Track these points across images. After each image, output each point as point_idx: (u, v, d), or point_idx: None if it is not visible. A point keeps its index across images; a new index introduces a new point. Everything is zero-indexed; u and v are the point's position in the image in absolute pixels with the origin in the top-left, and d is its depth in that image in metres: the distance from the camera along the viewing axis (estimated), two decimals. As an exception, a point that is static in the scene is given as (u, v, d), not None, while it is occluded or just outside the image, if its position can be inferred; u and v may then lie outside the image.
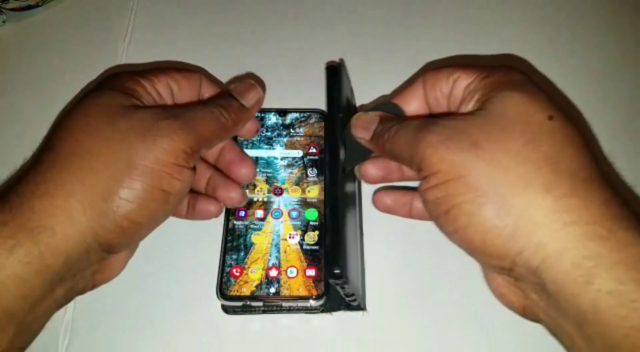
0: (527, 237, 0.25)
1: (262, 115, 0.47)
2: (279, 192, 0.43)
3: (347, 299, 0.38)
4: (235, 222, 0.42)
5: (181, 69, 0.38)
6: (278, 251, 0.41)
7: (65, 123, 0.33)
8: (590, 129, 0.46)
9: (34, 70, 0.54)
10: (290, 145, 0.45)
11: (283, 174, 0.44)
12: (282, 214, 0.42)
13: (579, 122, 0.29)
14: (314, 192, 0.43)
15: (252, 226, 0.42)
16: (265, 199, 0.43)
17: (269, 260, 0.40)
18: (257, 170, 0.44)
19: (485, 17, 0.55)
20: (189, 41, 0.55)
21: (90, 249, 0.30)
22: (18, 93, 0.53)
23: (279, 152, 0.45)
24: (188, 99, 0.38)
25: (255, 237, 0.41)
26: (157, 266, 0.42)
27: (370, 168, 0.37)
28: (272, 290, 0.39)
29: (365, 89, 0.50)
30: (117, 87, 0.35)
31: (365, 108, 0.41)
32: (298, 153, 0.45)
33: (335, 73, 0.40)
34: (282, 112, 0.47)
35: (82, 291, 0.34)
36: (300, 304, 0.40)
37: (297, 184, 0.43)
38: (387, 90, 0.50)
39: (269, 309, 0.40)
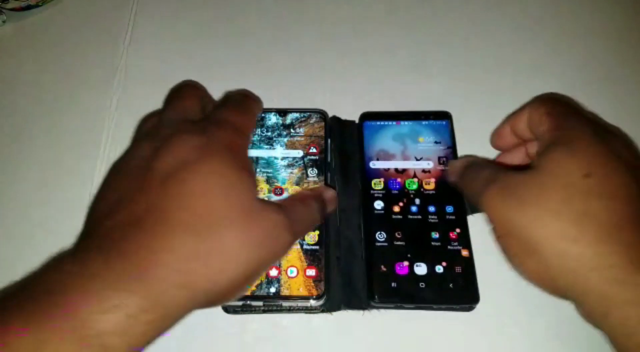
0: (565, 280, 0.30)
1: (263, 115, 0.47)
2: (279, 192, 0.43)
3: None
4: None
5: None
6: (278, 251, 0.44)
7: (195, 196, 0.30)
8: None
9: (34, 70, 0.54)
10: (290, 146, 0.45)
11: (283, 174, 0.44)
12: (282, 214, 0.45)
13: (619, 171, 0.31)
14: (322, 186, 0.43)
15: (252, 225, 0.44)
16: (266, 199, 0.43)
17: (269, 260, 0.43)
18: (258, 170, 0.44)
19: (483, 17, 0.55)
20: (189, 41, 0.55)
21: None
22: (18, 93, 0.52)
23: (279, 152, 0.45)
24: None
25: (255, 237, 0.44)
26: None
27: None
28: (272, 290, 0.39)
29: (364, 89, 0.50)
30: (240, 153, 0.34)
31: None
32: (298, 153, 0.45)
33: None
34: (282, 112, 0.47)
35: None
36: (301, 303, 0.40)
37: (297, 184, 0.44)
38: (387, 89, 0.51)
39: (269, 308, 0.40)
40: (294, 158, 0.45)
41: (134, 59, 0.54)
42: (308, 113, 0.47)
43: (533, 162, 0.34)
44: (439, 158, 0.45)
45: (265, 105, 0.45)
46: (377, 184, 0.44)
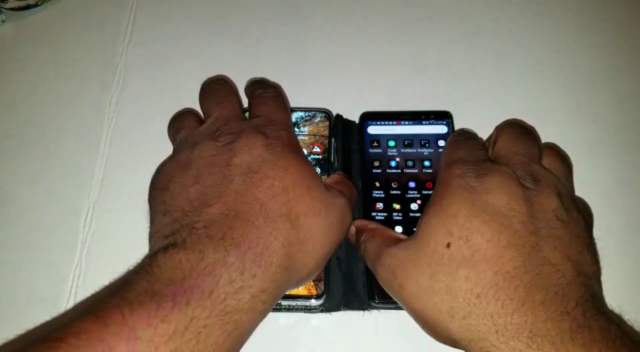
0: (458, 347, 0.31)
1: None
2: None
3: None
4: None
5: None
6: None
7: (281, 189, 0.32)
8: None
9: (33, 69, 0.53)
10: None
11: None
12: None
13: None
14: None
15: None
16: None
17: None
18: None
19: (481, 14, 0.55)
20: (189, 41, 0.55)
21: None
22: (17, 92, 0.52)
23: None
24: None
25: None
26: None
27: None
28: (272, 289, 0.41)
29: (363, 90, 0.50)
30: (301, 150, 0.36)
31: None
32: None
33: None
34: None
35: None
36: (300, 303, 0.39)
37: None
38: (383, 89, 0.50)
39: None
40: None
41: (134, 58, 0.54)
42: (313, 112, 0.47)
43: (416, 228, 0.35)
44: (439, 159, 0.44)
45: None
46: (378, 186, 0.43)
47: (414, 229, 0.35)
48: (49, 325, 0.34)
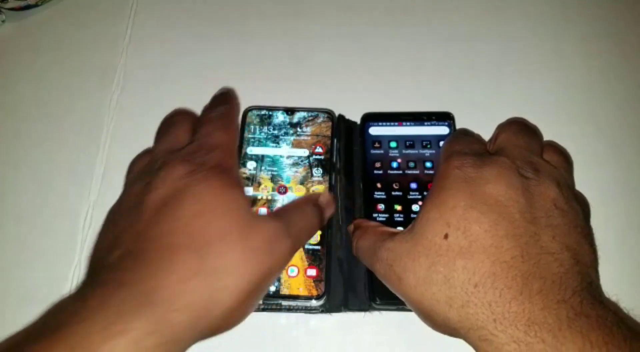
0: (457, 336, 0.30)
1: (270, 113, 0.46)
2: (283, 190, 0.43)
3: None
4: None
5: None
6: (279, 250, 0.43)
7: (189, 218, 0.30)
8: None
9: (34, 69, 0.53)
10: (296, 144, 0.45)
11: (288, 172, 0.44)
12: (285, 212, 0.45)
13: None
14: (319, 192, 0.42)
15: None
16: (270, 197, 0.42)
17: (270, 259, 0.43)
18: (263, 168, 0.44)
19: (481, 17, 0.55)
20: (189, 41, 0.54)
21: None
22: (17, 92, 0.52)
23: (285, 151, 0.44)
24: None
25: (257, 235, 0.44)
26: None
27: None
28: (272, 288, 0.39)
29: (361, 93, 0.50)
30: (230, 172, 0.34)
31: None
32: (304, 152, 0.44)
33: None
34: (290, 111, 0.46)
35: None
36: (300, 303, 0.39)
37: (301, 183, 0.43)
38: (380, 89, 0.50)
39: (268, 307, 0.39)
40: (299, 157, 0.44)
41: (134, 59, 0.53)
42: (316, 112, 0.47)
43: (414, 220, 0.34)
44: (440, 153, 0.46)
45: (269, 103, 0.45)
46: (379, 187, 0.43)
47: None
48: None
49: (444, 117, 0.47)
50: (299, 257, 0.40)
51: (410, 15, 0.56)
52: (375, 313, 0.40)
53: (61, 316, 0.27)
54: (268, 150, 0.45)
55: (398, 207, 0.42)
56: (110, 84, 0.52)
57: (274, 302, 0.39)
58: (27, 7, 0.56)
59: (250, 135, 0.45)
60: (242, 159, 0.44)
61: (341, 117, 0.48)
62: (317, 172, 0.43)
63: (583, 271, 0.29)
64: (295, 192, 0.43)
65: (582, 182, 0.38)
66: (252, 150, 0.45)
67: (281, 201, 0.42)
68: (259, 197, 0.42)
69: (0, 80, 0.53)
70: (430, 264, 0.30)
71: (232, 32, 0.55)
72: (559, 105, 0.50)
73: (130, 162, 0.40)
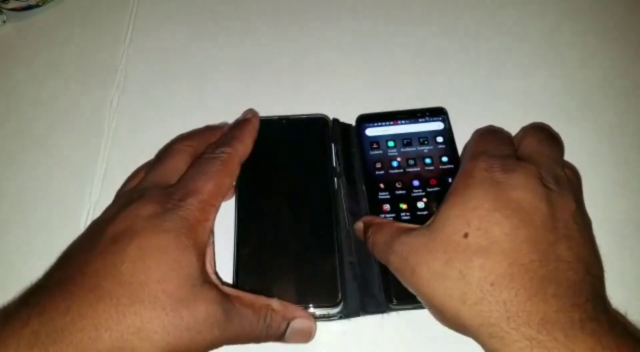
0: (465, 333, 0.30)
1: (265, 120, 0.42)
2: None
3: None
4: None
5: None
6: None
7: (130, 265, 0.28)
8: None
9: (34, 70, 0.50)
10: (294, 152, 0.42)
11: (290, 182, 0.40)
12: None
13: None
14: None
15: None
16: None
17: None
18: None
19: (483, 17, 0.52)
20: (188, 42, 0.51)
21: None
22: (18, 93, 0.48)
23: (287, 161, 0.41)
24: None
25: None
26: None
27: None
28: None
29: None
30: (195, 229, 0.31)
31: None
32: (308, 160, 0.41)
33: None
34: (284, 120, 0.43)
35: None
36: (319, 312, 0.36)
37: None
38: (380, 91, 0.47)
39: None
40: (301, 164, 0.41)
41: (134, 59, 0.50)
42: (310, 119, 0.43)
43: (433, 216, 0.33)
44: (440, 155, 0.42)
45: (264, 106, 0.43)
46: (382, 187, 0.40)
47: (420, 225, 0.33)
48: None
49: (438, 113, 0.44)
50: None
51: (405, 14, 0.52)
52: (393, 314, 0.37)
53: None
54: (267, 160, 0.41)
55: (403, 206, 0.39)
56: (111, 85, 0.48)
57: None
58: (28, 8, 0.52)
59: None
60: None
61: (336, 120, 0.44)
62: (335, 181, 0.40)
63: (593, 282, 0.29)
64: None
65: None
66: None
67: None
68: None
69: (1, 81, 0.49)
70: (447, 259, 0.29)
71: (233, 33, 0.51)
72: (557, 103, 0.46)
73: (130, 174, 0.39)
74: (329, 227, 0.38)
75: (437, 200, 0.39)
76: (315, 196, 0.40)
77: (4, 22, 0.52)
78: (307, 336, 0.34)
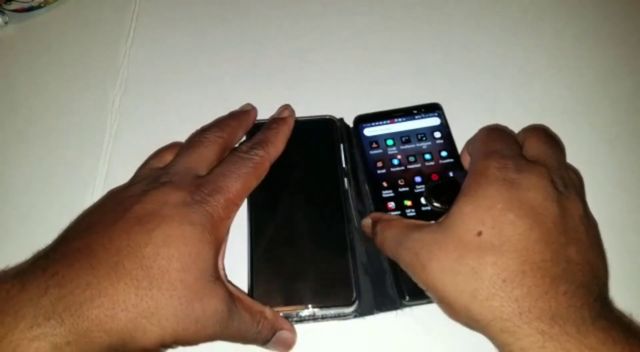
0: (476, 328, 0.30)
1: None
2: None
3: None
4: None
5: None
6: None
7: (153, 250, 0.28)
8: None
9: (36, 71, 0.46)
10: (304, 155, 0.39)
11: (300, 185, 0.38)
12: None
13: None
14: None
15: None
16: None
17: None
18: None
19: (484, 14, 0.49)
20: (190, 43, 0.47)
21: None
22: (20, 94, 0.45)
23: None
24: None
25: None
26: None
27: None
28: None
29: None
30: (218, 225, 0.31)
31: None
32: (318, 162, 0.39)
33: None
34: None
35: None
36: (334, 311, 0.33)
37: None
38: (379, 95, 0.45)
39: (303, 319, 0.34)
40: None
41: (136, 60, 0.46)
42: (318, 120, 0.41)
43: (445, 214, 0.31)
44: (439, 150, 0.39)
45: (264, 106, 0.40)
46: (385, 185, 0.38)
47: (431, 222, 0.32)
48: None
49: (433, 108, 0.41)
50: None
51: (403, 13, 0.50)
52: (407, 310, 0.34)
53: None
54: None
55: (408, 203, 0.37)
56: (113, 85, 0.45)
57: (307, 313, 0.33)
58: (30, 9, 0.48)
59: None
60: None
61: (342, 121, 0.41)
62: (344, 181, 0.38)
63: (600, 284, 0.28)
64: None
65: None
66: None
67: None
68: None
69: (3, 82, 0.45)
70: (459, 256, 0.28)
71: (234, 34, 0.48)
72: (556, 104, 0.44)
73: (153, 153, 0.37)
74: (341, 226, 0.35)
75: (442, 193, 0.38)
76: (327, 196, 0.37)
77: (6, 23, 0.47)
78: (287, 346, 0.33)
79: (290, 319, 0.34)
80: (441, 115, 0.41)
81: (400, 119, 0.41)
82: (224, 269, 0.32)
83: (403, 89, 0.44)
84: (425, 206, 0.37)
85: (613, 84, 0.44)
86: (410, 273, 0.31)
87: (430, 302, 0.33)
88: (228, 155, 0.35)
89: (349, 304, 0.33)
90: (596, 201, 0.34)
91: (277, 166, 0.37)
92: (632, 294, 0.35)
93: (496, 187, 0.30)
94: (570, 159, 0.35)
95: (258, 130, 0.38)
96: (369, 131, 0.41)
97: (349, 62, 0.46)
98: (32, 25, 0.49)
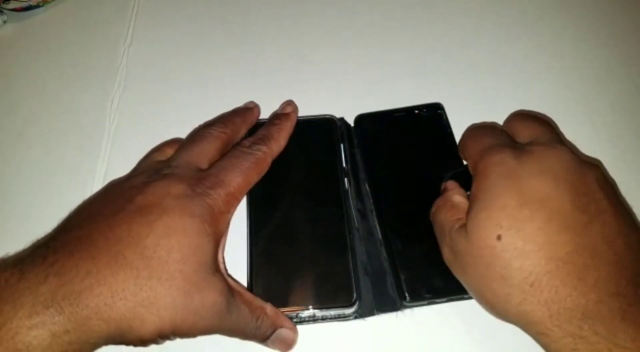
0: (517, 326, 0.29)
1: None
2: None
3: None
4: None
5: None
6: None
7: (154, 241, 0.28)
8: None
9: (35, 70, 0.46)
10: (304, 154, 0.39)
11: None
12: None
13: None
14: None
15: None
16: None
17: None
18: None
19: (479, 16, 0.49)
20: (189, 42, 0.47)
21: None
22: (18, 93, 0.44)
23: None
24: None
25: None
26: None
27: None
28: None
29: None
30: (219, 219, 0.31)
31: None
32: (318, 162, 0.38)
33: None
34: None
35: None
36: (334, 312, 0.33)
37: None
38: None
39: (303, 320, 0.33)
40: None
41: (135, 59, 0.46)
42: (318, 119, 0.40)
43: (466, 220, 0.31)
44: (440, 149, 0.39)
45: (264, 106, 0.40)
46: (386, 185, 0.38)
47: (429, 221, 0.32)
48: None
49: (435, 108, 0.41)
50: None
51: (403, 13, 0.49)
52: (407, 311, 0.34)
53: None
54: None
55: (411, 202, 0.38)
56: (112, 85, 0.44)
57: (307, 314, 0.33)
58: (29, 8, 0.48)
59: None
60: None
61: (342, 120, 0.41)
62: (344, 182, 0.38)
63: (634, 256, 0.27)
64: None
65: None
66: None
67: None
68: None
69: (1, 81, 0.45)
70: (488, 264, 0.28)
71: (234, 33, 0.47)
72: (555, 105, 0.43)
73: (154, 147, 0.37)
74: (342, 227, 0.35)
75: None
76: (327, 196, 0.36)
77: (4, 22, 0.47)
78: (288, 345, 0.32)
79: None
80: (443, 115, 0.41)
81: (401, 119, 0.41)
82: (224, 263, 0.32)
83: (403, 88, 0.44)
84: (428, 208, 0.37)
85: (613, 84, 0.44)
86: (453, 272, 0.32)
87: (430, 303, 0.33)
88: (230, 149, 0.34)
89: (349, 304, 0.33)
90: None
91: (277, 166, 0.36)
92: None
93: (502, 185, 0.29)
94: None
95: (259, 128, 0.37)
96: (370, 130, 0.41)
97: (349, 62, 0.45)
98: (31, 25, 0.49)
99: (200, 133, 0.35)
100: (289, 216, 0.35)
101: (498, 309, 0.28)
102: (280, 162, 0.37)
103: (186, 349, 0.32)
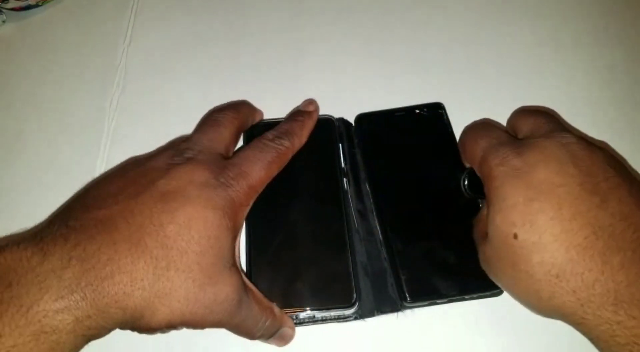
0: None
1: (274, 121, 0.39)
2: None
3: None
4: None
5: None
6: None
7: (175, 229, 0.27)
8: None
9: (34, 70, 0.45)
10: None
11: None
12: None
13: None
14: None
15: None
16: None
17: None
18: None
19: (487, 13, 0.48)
20: (188, 42, 0.46)
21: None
22: (17, 93, 0.44)
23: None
24: None
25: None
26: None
27: None
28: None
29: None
30: (239, 210, 0.31)
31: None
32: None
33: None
34: None
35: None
36: (334, 313, 0.33)
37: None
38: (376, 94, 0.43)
39: (302, 321, 0.33)
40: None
41: (134, 59, 0.45)
42: (317, 119, 0.39)
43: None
44: (441, 149, 0.39)
45: (264, 105, 0.40)
46: (386, 185, 0.38)
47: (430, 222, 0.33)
48: None
49: (435, 108, 0.41)
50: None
51: (405, 12, 0.49)
52: (408, 312, 0.34)
53: (18, 267, 0.24)
54: None
55: (413, 201, 0.37)
56: (111, 85, 0.44)
57: (307, 315, 0.33)
58: (28, 8, 0.47)
59: None
60: None
61: (341, 119, 0.40)
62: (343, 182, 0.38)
63: None
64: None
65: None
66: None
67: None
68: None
69: (0, 80, 0.45)
70: (512, 264, 0.28)
71: (233, 32, 0.47)
72: (557, 103, 0.43)
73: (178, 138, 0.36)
74: (341, 227, 0.34)
75: (445, 194, 0.37)
76: (326, 196, 0.36)
77: (3, 21, 0.46)
78: (285, 342, 0.33)
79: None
80: (444, 114, 0.40)
81: (402, 118, 0.41)
82: (239, 257, 0.32)
83: (404, 88, 0.43)
84: (429, 209, 0.38)
85: (616, 81, 0.43)
86: (487, 272, 0.32)
87: (431, 304, 0.33)
88: (254, 141, 0.34)
89: (349, 305, 0.33)
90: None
91: None
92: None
93: (508, 183, 0.29)
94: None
95: (264, 130, 0.37)
96: (371, 130, 0.40)
97: (350, 60, 0.45)
98: (30, 24, 0.49)
99: (214, 117, 0.35)
100: (288, 217, 0.35)
101: (536, 307, 0.28)
102: None
103: (185, 346, 0.32)
